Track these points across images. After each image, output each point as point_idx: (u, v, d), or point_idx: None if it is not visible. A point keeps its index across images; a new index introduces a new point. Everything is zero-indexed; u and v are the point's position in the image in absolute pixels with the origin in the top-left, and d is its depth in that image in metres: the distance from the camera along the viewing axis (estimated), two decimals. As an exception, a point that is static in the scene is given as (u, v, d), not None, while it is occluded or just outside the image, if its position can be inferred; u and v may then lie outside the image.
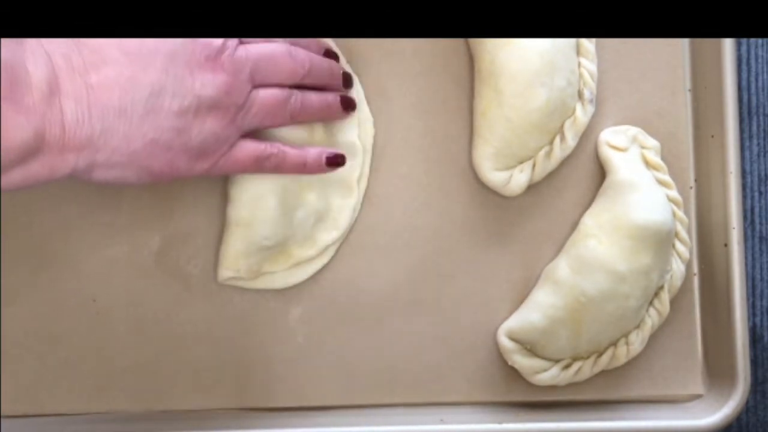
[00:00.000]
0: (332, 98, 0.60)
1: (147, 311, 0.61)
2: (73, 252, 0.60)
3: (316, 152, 0.59)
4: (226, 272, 0.59)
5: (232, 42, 0.54)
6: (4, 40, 0.47)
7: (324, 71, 0.59)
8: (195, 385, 0.61)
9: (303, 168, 0.58)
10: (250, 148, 0.56)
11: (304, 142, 0.59)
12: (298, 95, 0.57)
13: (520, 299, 0.62)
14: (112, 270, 0.61)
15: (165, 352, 0.61)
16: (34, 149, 0.47)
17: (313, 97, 0.58)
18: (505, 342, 0.61)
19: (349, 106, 0.60)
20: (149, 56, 0.51)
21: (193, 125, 0.52)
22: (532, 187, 0.61)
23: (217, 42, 0.53)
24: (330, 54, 0.61)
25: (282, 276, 0.61)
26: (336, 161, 0.59)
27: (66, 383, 0.60)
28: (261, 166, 0.57)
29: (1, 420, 0.60)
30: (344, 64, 0.61)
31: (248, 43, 0.55)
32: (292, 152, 0.58)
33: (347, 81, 0.61)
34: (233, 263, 0.59)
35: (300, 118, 0.58)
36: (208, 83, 0.52)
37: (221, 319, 0.61)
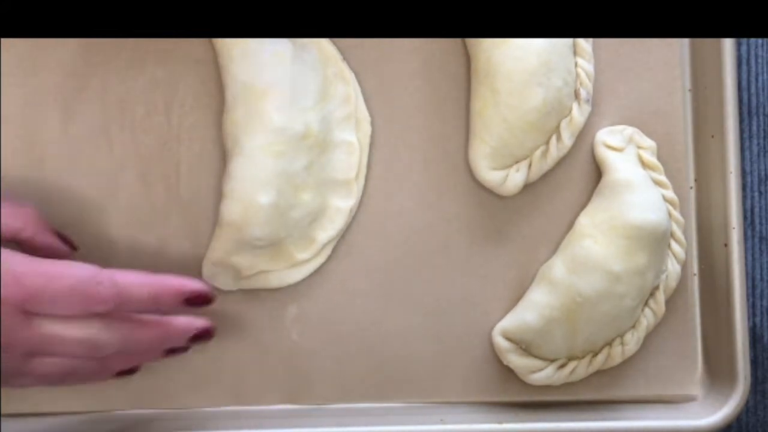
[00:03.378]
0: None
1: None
2: (72, 252, 0.60)
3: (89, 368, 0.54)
4: (211, 269, 0.60)
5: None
6: None
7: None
8: (191, 385, 0.61)
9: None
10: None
11: (300, 138, 0.58)
12: (93, 364, 0.53)
13: (515, 299, 0.62)
14: (110, 270, 0.61)
15: (162, 351, 0.61)
16: None
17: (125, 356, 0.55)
18: (500, 341, 0.61)
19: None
20: None
21: None
22: (528, 187, 0.61)
23: None
24: (197, 298, 0.55)
25: (278, 276, 0.61)
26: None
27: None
28: None
29: (1, 420, 0.60)
30: (340, 63, 0.61)
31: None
32: (89, 366, 0.54)
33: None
34: (220, 261, 0.59)
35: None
36: None
37: (217, 318, 0.61)
